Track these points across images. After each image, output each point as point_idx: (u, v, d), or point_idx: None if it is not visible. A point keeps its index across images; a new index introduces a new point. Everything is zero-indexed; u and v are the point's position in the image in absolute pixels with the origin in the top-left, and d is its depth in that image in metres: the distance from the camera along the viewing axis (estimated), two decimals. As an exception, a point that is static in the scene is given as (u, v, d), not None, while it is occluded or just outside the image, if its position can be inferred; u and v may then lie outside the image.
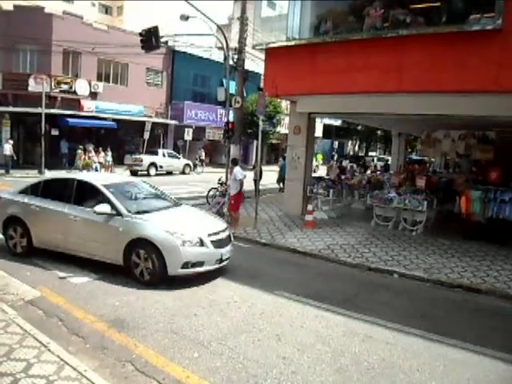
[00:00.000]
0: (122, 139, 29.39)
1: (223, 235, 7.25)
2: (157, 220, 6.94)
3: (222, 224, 7.74)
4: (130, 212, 6.93)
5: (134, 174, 24.97)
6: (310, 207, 11.53)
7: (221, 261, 7.04)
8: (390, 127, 21.44)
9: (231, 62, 16.41)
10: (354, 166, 22.76)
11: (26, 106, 23.45)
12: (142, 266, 6.61)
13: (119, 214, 6.87)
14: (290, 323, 5.56)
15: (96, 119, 26.30)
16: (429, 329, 5.56)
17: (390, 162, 24.15)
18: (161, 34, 15.32)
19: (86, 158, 22.18)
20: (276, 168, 23.79)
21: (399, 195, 11.59)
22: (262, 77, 13.19)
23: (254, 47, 13.06)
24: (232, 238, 7.65)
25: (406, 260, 8.71)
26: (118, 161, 25.41)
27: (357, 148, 54.33)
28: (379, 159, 39.43)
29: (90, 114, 26.12)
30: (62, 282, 6.62)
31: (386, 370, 4.51)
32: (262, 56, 12.92)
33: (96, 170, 22.48)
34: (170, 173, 26.74)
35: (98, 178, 7.95)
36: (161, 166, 25.96)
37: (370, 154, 50.13)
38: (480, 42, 8.51)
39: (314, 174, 15.71)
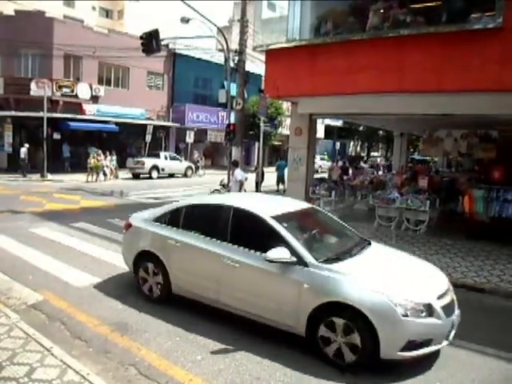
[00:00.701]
0: (123, 142, 29.48)
1: (451, 295, 4.97)
2: (358, 273, 4.74)
3: (443, 276, 5.38)
4: (317, 260, 4.84)
5: (136, 176, 25.11)
6: (312, 208, 11.49)
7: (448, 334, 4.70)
8: (392, 127, 21.40)
9: (232, 64, 16.44)
10: (366, 165, 22.83)
11: (28, 110, 23.55)
12: (340, 342, 4.50)
13: (302, 262, 4.81)
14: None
15: (98, 123, 26.38)
16: (433, 329, 5.53)
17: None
18: (161, 36, 15.37)
19: (96, 160, 22.40)
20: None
21: (401, 195, 11.57)
22: (263, 78, 13.18)
23: (254, 49, 13.04)
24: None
25: (409, 260, 8.67)
26: (121, 164, 25.47)
27: (359, 148, 54.27)
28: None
29: (91, 118, 26.23)
30: (65, 286, 6.60)
31: (385, 370, 4.49)
32: (263, 57, 12.91)
33: (104, 174, 22.76)
34: (171, 175, 26.79)
35: (262, 207, 5.63)
36: (163, 169, 26.02)
37: (372, 154, 50.10)
38: (481, 41, 8.47)
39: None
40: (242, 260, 5.17)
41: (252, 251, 5.17)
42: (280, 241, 4.99)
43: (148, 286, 6.16)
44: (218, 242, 5.48)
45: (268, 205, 6.02)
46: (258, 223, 5.31)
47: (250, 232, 5.55)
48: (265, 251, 4.89)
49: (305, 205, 6.67)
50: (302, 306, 4.70)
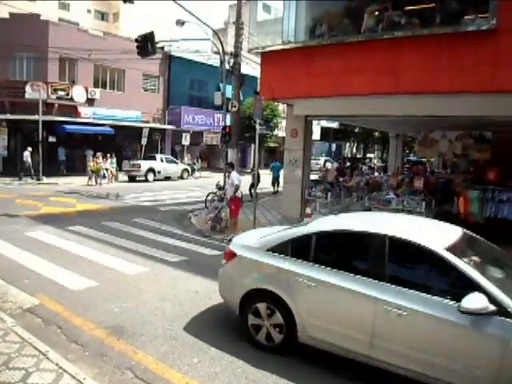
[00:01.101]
0: (119, 145, 29.36)
1: None
2: None
3: None
4: None
5: (132, 179, 25.05)
6: (308, 210, 11.53)
7: None
8: (387, 129, 21.47)
9: (227, 67, 16.44)
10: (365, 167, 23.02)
11: (23, 113, 23.46)
12: None
13: (504, 312, 3.69)
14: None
15: (93, 125, 26.30)
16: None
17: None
18: (157, 39, 15.36)
19: (95, 163, 22.34)
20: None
21: (397, 196, 11.57)
22: (259, 80, 13.21)
23: (249, 51, 13.07)
24: None
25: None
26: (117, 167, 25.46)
27: (354, 150, 54.38)
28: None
29: (87, 121, 26.13)
30: (61, 290, 6.57)
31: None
32: (258, 60, 12.93)
33: (104, 176, 22.78)
34: (168, 178, 26.74)
35: (427, 236, 4.45)
36: (159, 172, 25.98)
37: (368, 155, 50.24)
38: (475, 43, 8.54)
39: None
40: (412, 307, 4.00)
41: (423, 294, 4.02)
42: (463, 281, 3.92)
43: (261, 331, 4.97)
44: (371, 281, 4.29)
45: (430, 232, 4.74)
46: (428, 258, 4.20)
47: (416, 269, 4.54)
48: (440, 294, 3.99)
49: (456, 229, 4.99)
50: (507, 369, 3.62)
